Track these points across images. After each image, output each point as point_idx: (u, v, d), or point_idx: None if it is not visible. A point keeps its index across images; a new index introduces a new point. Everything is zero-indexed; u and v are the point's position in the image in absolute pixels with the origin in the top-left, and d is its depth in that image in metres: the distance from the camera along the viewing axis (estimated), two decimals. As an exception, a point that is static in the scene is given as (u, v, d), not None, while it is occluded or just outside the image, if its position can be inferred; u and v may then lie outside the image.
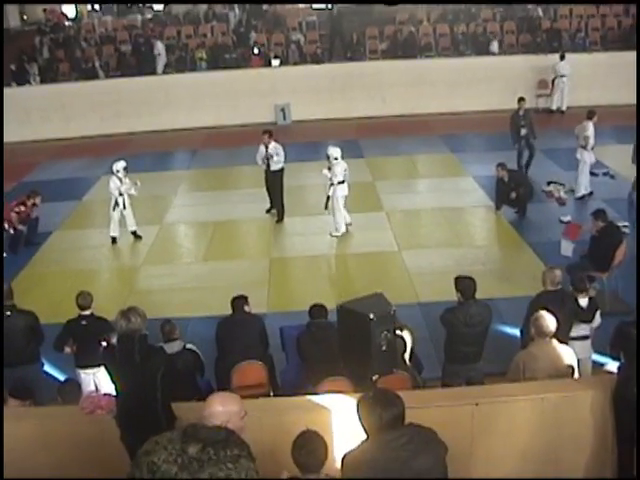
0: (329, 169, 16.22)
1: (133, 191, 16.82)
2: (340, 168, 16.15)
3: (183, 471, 4.35)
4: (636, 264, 13.80)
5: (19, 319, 10.04)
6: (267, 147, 17.23)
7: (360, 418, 5.21)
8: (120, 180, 16.64)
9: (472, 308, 9.05)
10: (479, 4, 31.61)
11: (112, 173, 16.80)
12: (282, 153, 17.33)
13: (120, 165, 16.74)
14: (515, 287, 13.29)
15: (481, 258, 15.04)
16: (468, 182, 19.74)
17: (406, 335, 8.88)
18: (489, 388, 8.26)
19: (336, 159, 16.12)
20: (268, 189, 17.87)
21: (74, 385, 9.12)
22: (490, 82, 26.79)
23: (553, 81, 26.71)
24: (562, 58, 26.17)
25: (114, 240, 17.02)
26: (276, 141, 17.41)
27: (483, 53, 28.41)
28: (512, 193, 16.65)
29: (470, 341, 9.15)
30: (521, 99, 19.42)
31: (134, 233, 17.17)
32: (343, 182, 16.25)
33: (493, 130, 23.50)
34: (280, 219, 17.64)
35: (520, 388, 7.81)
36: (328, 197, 16.35)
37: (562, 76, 26.32)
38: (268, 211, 18.01)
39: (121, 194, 16.68)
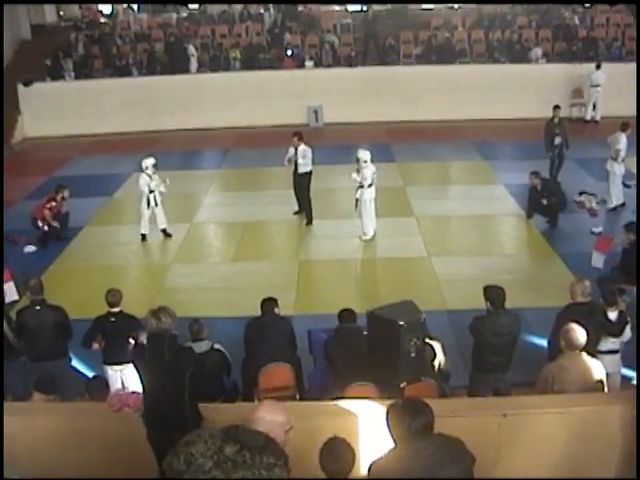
0: (358, 172, 16.22)
1: (162, 188, 16.90)
2: (369, 171, 16.13)
3: (217, 468, 4.38)
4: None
5: (48, 314, 10.10)
6: (296, 149, 17.25)
7: (389, 426, 5.20)
8: (149, 177, 16.71)
9: (501, 318, 9.00)
10: (508, 3, 31.66)
11: (141, 170, 16.86)
12: (310, 156, 17.33)
13: (149, 162, 16.82)
14: (544, 297, 13.17)
15: (510, 267, 14.95)
16: (499, 190, 19.65)
17: (436, 345, 8.85)
18: (517, 399, 8.20)
19: (365, 162, 16.11)
20: (296, 191, 17.88)
21: (102, 382, 9.17)
22: (524, 90, 26.68)
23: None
24: (598, 67, 26.04)
25: (144, 237, 17.09)
26: (306, 143, 17.42)
27: (517, 60, 28.24)
28: (544, 201, 16.57)
29: (498, 351, 9.10)
30: (556, 107, 19.32)
31: (164, 231, 17.23)
32: (371, 185, 16.25)
33: (526, 138, 23.41)
34: (309, 222, 17.64)
35: (548, 400, 7.73)
36: (357, 200, 16.36)
37: (596, 86, 26.17)
38: (296, 213, 18.01)
39: (151, 191, 16.75)
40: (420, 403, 5.22)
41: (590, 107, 26.75)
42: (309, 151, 17.35)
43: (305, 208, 17.70)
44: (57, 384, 9.01)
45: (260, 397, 9.57)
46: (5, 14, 29.83)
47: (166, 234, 17.27)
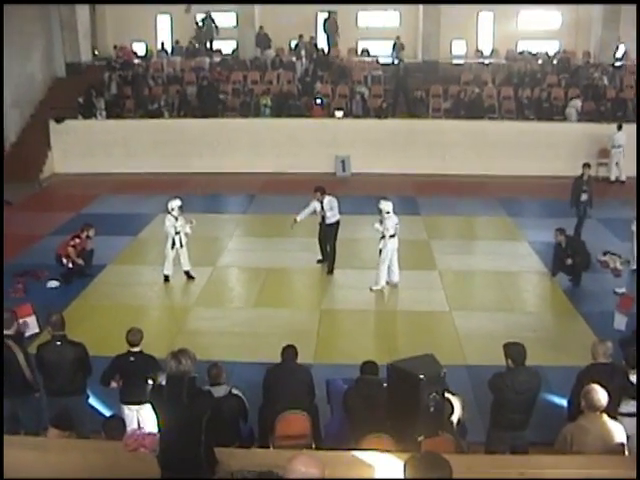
0: (380, 222, 16.26)
1: (188, 229, 16.99)
2: (391, 222, 16.18)
3: None
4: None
5: (69, 350, 10.12)
6: (322, 203, 17.34)
7: (405, 478, 5.15)
8: (175, 218, 16.81)
9: (521, 375, 8.94)
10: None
11: (167, 211, 16.95)
12: (336, 206, 17.42)
13: (175, 203, 16.92)
14: (565, 356, 13.09)
15: (532, 324, 14.87)
16: (523, 247, 19.62)
17: (455, 400, 8.79)
18: (535, 458, 8.10)
19: (388, 213, 16.17)
20: (320, 241, 17.91)
21: (119, 421, 9.14)
22: (551, 148, 26.79)
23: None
24: (619, 128, 26.18)
25: (167, 278, 17.16)
26: (329, 194, 17.52)
27: (546, 118, 28.31)
28: (568, 260, 16.53)
29: (517, 408, 9.03)
30: (586, 165, 19.45)
31: (187, 273, 17.30)
32: (394, 236, 16.27)
33: (551, 196, 23.48)
34: (330, 271, 17.66)
35: (567, 461, 7.63)
36: (380, 250, 16.37)
37: (618, 146, 26.24)
38: (320, 261, 18.04)
39: (177, 232, 16.82)
40: (439, 458, 5.18)
41: (613, 167, 26.76)
42: (335, 201, 17.44)
43: (329, 257, 17.72)
44: (73, 421, 9.01)
45: (276, 444, 9.54)
46: (41, 51, 30.49)
47: (189, 276, 17.33)
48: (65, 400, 10.01)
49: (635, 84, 28.20)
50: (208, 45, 34.93)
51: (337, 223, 17.56)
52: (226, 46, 35.69)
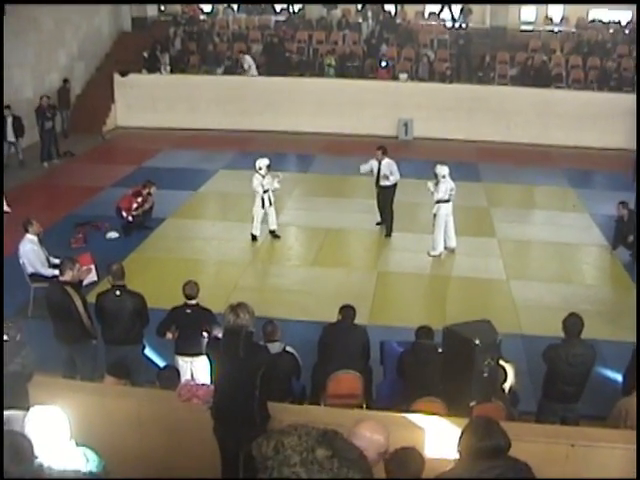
0: (435, 185, 16.17)
1: (276, 184, 16.94)
2: (445, 187, 16.07)
3: (302, 466, 4.41)
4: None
5: (128, 300, 10.23)
6: (380, 163, 17.22)
7: (461, 440, 5.14)
8: (262, 177, 16.74)
9: (576, 347, 8.86)
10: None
11: (255, 170, 16.87)
12: (395, 169, 17.26)
13: (264, 162, 16.80)
14: (622, 331, 12.91)
15: (590, 298, 14.71)
16: (585, 219, 19.38)
17: (509, 368, 8.77)
18: (587, 430, 8.04)
19: (444, 177, 16.06)
20: (379, 203, 17.86)
21: (173, 372, 9.26)
22: (618, 119, 26.23)
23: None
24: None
25: (254, 238, 17.18)
26: (390, 157, 17.39)
27: (615, 89, 27.81)
28: (630, 237, 16.28)
29: (570, 380, 8.97)
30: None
31: (273, 232, 17.36)
32: (448, 201, 16.20)
33: (616, 169, 23.09)
34: (388, 234, 17.61)
35: (619, 435, 7.58)
36: (434, 215, 16.32)
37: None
38: (379, 224, 17.98)
39: (265, 191, 16.84)
40: (496, 425, 5.15)
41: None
42: (394, 165, 17.28)
43: (387, 220, 17.65)
44: (129, 370, 9.15)
45: (327, 403, 9.59)
46: (108, 5, 30.54)
47: (275, 235, 17.37)
48: (122, 349, 10.15)
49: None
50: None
51: (394, 186, 17.39)
52: (292, 5, 35.48)
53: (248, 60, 29.19)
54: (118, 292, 10.24)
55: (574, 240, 18.02)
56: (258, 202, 16.89)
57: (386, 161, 17.22)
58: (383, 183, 17.32)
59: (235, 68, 29.70)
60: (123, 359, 9.64)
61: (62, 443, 4.74)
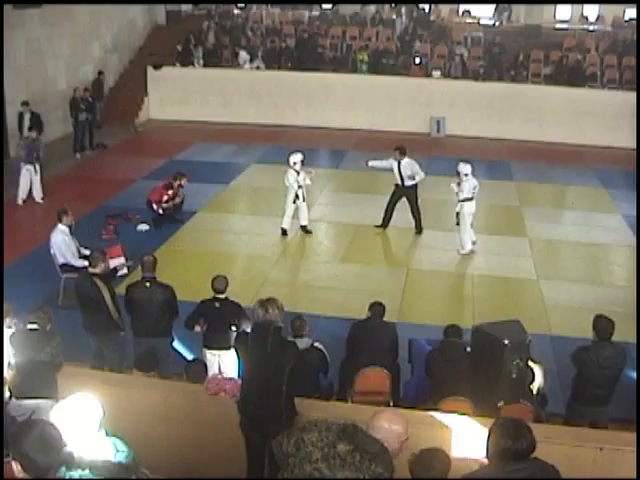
0: (458, 184, 16.11)
1: (308, 180, 16.95)
2: (469, 185, 15.99)
3: (324, 461, 4.42)
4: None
5: (157, 292, 10.26)
6: (400, 163, 17.05)
7: (488, 441, 5.11)
8: (297, 172, 16.73)
9: (606, 350, 8.77)
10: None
11: (288, 166, 16.83)
12: (418, 168, 17.09)
13: (298, 158, 16.78)
14: (654, 334, 12.84)
15: (621, 300, 14.52)
16: (617, 220, 19.22)
17: (537, 369, 8.71)
18: (616, 434, 8.00)
19: (466, 175, 15.97)
20: (389, 204, 17.60)
21: (201, 365, 9.28)
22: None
23: None
24: None
25: (284, 232, 17.17)
26: (409, 157, 17.20)
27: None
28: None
29: (600, 383, 8.88)
30: None
31: (304, 227, 17.36)
32: (471, 199, 16.11)
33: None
34: (419, 231, 17.55)
35: (648, 439, 7.52)
36: (457, 214, 16.26)
37: None
38: (378, 227, 17.73)
39: (300, 187, 16.83)
40: (525, 426, 5.11)
41: None
42: (415, 164, 17.14)
43: (416, 218, 17.53)
44: (157, 361, 9.17)
45: (354, 399, 9.58)
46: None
47: (306, 231, 17.37)
48: (151, 340, 10.18)
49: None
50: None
51: (415, 185, 17.24)
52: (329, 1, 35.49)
53: (242, 55, 29.31)
54: (148, 283, 10.28)
55: (606, 241, 17.90)
56: (291, 197, 16.89)
57: (406, 161, 17.06)
58: (408, 183, 17.19)
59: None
60: (150, 352, 9.66)
61: (93, 432, 4.76)
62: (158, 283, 10.36)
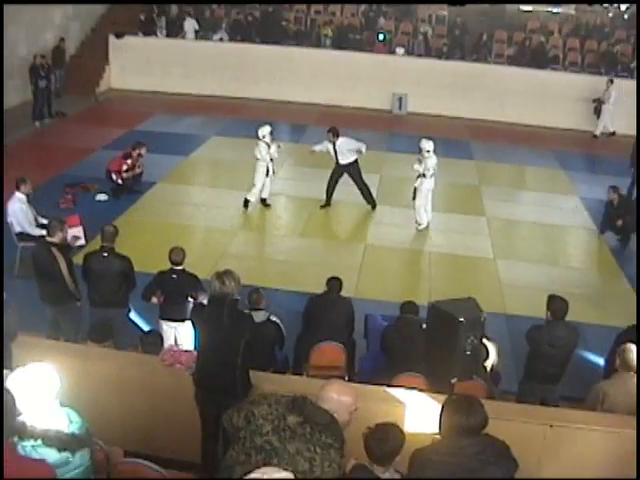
0: (420, 162, 16.15)
1: (276, 154, 16.96)
2: (432, 162, 16.06)
3: (274, 434, 4.47)
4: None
5: (115, 262, 10.19)
6: (335, 144, 17.07)
7: (441, 417, 5.17)
8: (268, 145, 16.71)
9: (559, 329, 8.86)
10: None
11: (258, 139, 16.80)
12: (352, 146, 17.14)
13: (266, 130, 16.78)
14: (606, 315, 12.99)
15: (576, 281, 14.74)
16: (574, 202, 19.39)
17: (491, 347, 8.81)
18: (565, 412, 8.10)
19: (428, 152, 16.01)
20: (329, 184, 17.63)
21: (157, 337, 9.26)
22: (615, 104, 26.21)
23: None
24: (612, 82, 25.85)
25: (247, 204, 17.14)
26: (344, 136, 17.29)
27: (610, 73, 27.75)
28: (619, 221, 16.32)
29: (552, 362, 8.98)
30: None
31: (264, 201, 17.37)
32: (432, 176, 16.20)
33: (609, 153, 23.12)
34: (374, 206, 17.65)
35: (598, 418, 7.63)
36: (415, 189, 16.30)
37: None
38: (323, 207, 17.72)
39: (272, 159, 16.84)
40: (477, 403, 5.17)
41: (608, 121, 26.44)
42: (350, 141, 17.21)
43: (365, 195, 17.60)
44: (111, 332, 9.14)
45: (309, 373, 9.63)
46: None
47: (266, 204, 17.38)
48: (107, 311, 10.15)
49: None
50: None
51: (355, 162, 17.26)
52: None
53: (188, 23, 29.25)
54: (106, 254, 10.20)
55: (563, 222, 18.06)
56: (263, 170, 16.84)
57: (340, 140, 17.09)
58: (343, 162, 17.23)
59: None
60: (103, 323, 9.63)
61: (47, 402, 4.76)
62: (116, 254, 10.28)
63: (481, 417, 5.08)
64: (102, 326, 9.31)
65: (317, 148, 17.52)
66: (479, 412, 5.09)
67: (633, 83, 26.22)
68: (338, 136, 17.09)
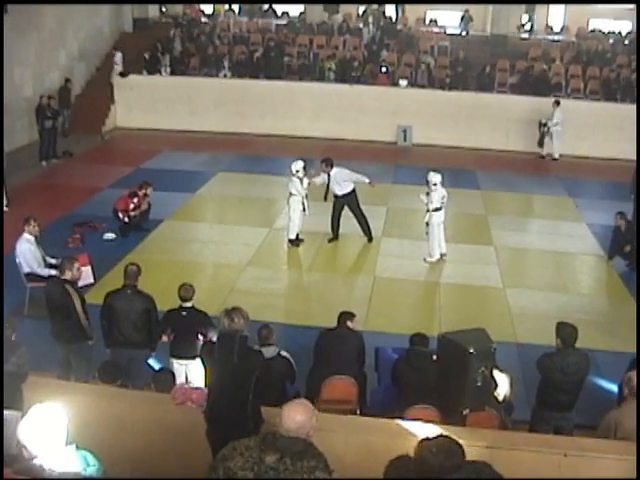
0: (427, 194, 16.17)
1: (307, 190, 16.96)
2: (438, 195, 16.06)
3: (259, 479, 4.45)
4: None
5: (139, 301, 10.27)
6: (329, 175, 17.07)
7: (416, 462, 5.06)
8: (300, 180, 16.74)
9: (570, 356, 8.86)
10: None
11: (292, 174, 16.87)
12: (348, 174, 17.14)
13: (299, 165, 16.81)
14: (617, 341, 12.97)
15: (585, 307, 14.73)
16: (582, 228, 19.40)
17: (503, 377, 8.78)
18: (579, 440, 8.06)
19: (435, 185, 16.02)
20: (332, 217, 17.61)
21: (169, 375, 9.26)
22: (618, 129, 26.30)
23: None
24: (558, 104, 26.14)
25: (294, 242, 17.23)
26: (338, 166, 17.28)
27: (613, 99, 27.83)
28: (627, 246, 16.30)
29: (565, 389, 8.97)
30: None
31: (297, 238, 17.35)
32: (440, 209, 16.19)
33: (615, 178, 23.13)
34: (370, 239, 17.58)
35: (612, 446, 7.59)
36: (427, 223, 16.33)
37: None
38: (331, 240, 17.70)
39: (306, 195, 16.85)
40: (453, 444, 5.03)
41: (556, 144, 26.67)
42: (344, 171, 17.18)
43: (363, 226, 17.55)
44: (120, 371, 9.11)
45: (321, 408, 9.59)
46: (109, 5, 30.69)
47: (298, 241, 17.36)
48: (128, 352, 10.20)
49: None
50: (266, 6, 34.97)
51: (352, 192, 17.22)
52: (294, 9, 35.54)
53: (118, 57, 29.13)
54: (129, 291, 10.26)
55: (571, 249, 18.07)
56: (298, 207, 16.87)
57: (334, 171, 17.08)
58: (341, 192, 17.21)
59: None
60: (114, 361, 9.62)
61: (61, 444, 4.74)
62: (139, 292, 10.35)
63: (459, 458, 4.97)
64: (112, 366, 9.29)
65: (318, 181, 17.48)
66: (457, 453, 4.98)
67: (633, 107, 26.34)
68: (332, 166, 17.10)
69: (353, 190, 17.26)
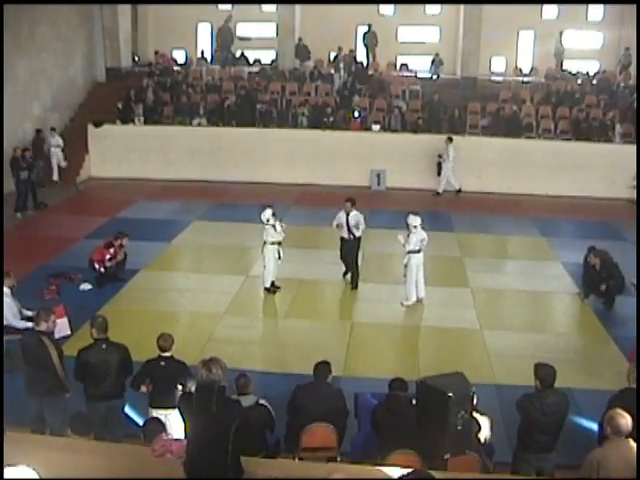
0: (408, 236, 16.22)
1: (283, 234, 17.01)
2: (417, 237, 16.16)
3: None
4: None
5: (114, 353, 10.15)
6: (348, 215, 17.22)
7: None
8: (274, 227, 16.78)
9: (550, 397, 8.87)
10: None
11: (263, 223, 16.90)
12: (362, 222, 17.32)
13: (269, 213, 16.83)
14: (595, 380, 13.02)
15: (563, 346, 14.77)
16: (556, 267, 19.52)
17: (483, 420, 8.77)
18: (561, 482, 8.07)
19: (415, 227, 16.13)
20: (342, 254, 17.76)
21: (157, 424, 9.10)
22: (588, 168, 26.63)
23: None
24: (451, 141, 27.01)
25: (270, 290, 17.23)
26: (357, 209, 17.40)
27: (583, 139, 28.09)
28: (602, 285, 16.39)
29: (545, 430, 8.96)
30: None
31: (273, 285, 17.35)
32: (419, 252, 16.28)
33: (587, 217, 23.31)
34: (355, 286, 17.61)
35: (594, 486, 7.59)
36: (405, 266, 16.37)
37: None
38: (345, 275, 17.93)
39: (280, 242, 16.87)
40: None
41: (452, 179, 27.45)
42: (361, 216, 17.34)
43: (353, 272, 17.66)
44: (91, 425, 8.95)
45: (301, 456, 9.55)
46: (82, 55, 30.84)
47: (274, 288, 17.35)
48: (107, 404, 10.12)
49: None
50: (237, 54, 35.18)
51: (359, 239, 17.43)
52: (265, 56, 35.78)
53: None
54: (104, 345, 10.16)
55: (547, 289, 18.15)
56: (273, 255, 16.93)
57: (354, 213, 17.24)
58: (349, 236, 17.34)
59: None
60: (84, 414, 9.50)
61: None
62: (113, 344, 10.25)
63: None
64: (83, 418, 9.13)
65: (335, 224, 17.54)
66: None
67: (606, 146, 26.64)
68: (354, 206, 17.26)
69: (360, 237, 17.41)
